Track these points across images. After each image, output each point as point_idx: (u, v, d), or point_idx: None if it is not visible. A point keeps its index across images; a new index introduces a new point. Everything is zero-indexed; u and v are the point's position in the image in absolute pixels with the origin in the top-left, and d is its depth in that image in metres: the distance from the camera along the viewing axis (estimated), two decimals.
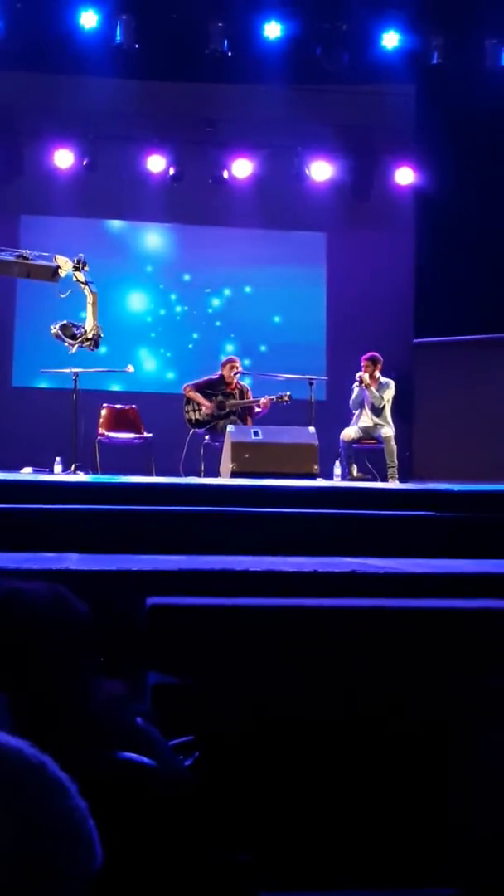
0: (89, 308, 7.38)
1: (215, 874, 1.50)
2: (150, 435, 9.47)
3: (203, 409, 9.08)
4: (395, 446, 8.94)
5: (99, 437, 9.37)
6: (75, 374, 8.89)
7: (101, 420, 9.54)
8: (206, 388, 9.16)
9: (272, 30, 10.08)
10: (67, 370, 9.00)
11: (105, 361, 9.97)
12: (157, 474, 8.73)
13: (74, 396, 8.81)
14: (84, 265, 7.36)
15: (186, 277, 11.58)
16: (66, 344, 7.43)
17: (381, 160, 11.36)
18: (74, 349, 7.45)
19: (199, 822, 1.56)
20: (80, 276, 7.36)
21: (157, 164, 11.09)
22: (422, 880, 2.16)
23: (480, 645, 2.38)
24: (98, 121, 10.64)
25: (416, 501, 5.21)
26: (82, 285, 7.39)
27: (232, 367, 9.13)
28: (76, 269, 7.33)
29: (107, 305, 11.22)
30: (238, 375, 9.19)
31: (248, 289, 11.63)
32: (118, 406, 9.76)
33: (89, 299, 7.38)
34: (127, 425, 9.61)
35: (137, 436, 9.54)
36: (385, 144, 11.24)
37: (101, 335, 7.45)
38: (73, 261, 7.34)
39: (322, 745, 2.22)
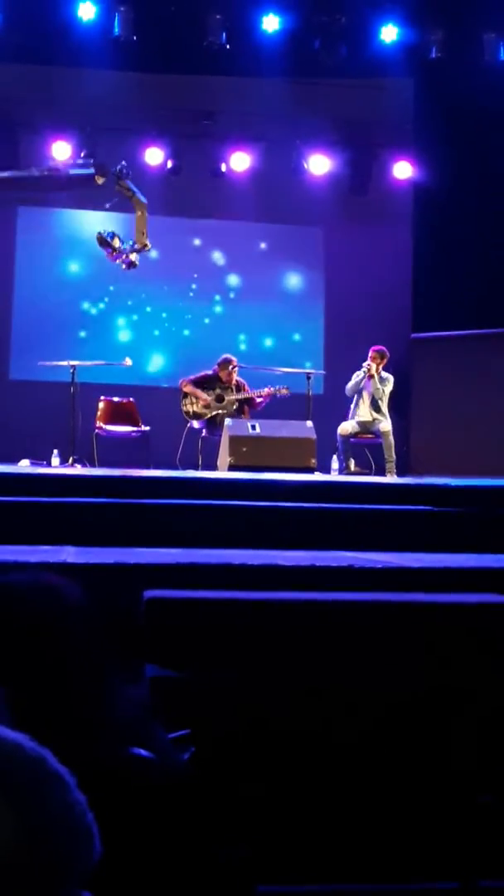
0: (139, 219, 6.96)
1: (214, 868, 1.50)
2: (147, 428, 9.47)
3: (201, 402, 9.06)
4: (393, 441, 8.94)
5: (96, 431, 9.37)
6: (73, 367, 8.88)
7: (99, 413, 9.53)
8: (203, 384, 9.15)
9: (270, 23, 10.06)
10: (65, 363, 9.00)
11: (103, 354, 9.96)
12: (155, 467, 8.74)
13: (72, 389, 8.81)
14: (127, 174, 6.86)
15: (183, 271, 11.55)
16: (108, 254, 7.09)
17: (379, 154, 11.35)
18: (118, 261, 7.11)
19: (197, 815, 1.56)
20: (125, 184, 6.87)
21: (154, 156, 11.07)
22: (421, 874, 2.16)
23: (478, 640, 2.38)
24: (96, 113, 10.60)
25: (413, 496, 5.21)
26: (128, 193, 6.91)
27: (231, 371, 9.10)
28: (118, 177, 6.86)
29: (104, 298, 11.27)
30: (236, 371, 9.19)
31: (245, 283, 11.60)
32: (116, 399, 9.76)
33: (137, 209, 6.97)
34: (124, 418, 9.61)
35: (135, 429, 9.54)
36: (383, 139, 11.24)
37: (149, 247, 7.01)
38: (115, 170, 6.86)
39: (319, 738, 2.22)
